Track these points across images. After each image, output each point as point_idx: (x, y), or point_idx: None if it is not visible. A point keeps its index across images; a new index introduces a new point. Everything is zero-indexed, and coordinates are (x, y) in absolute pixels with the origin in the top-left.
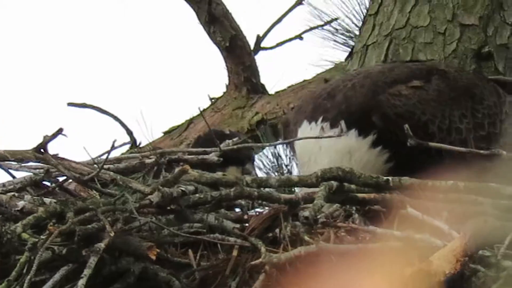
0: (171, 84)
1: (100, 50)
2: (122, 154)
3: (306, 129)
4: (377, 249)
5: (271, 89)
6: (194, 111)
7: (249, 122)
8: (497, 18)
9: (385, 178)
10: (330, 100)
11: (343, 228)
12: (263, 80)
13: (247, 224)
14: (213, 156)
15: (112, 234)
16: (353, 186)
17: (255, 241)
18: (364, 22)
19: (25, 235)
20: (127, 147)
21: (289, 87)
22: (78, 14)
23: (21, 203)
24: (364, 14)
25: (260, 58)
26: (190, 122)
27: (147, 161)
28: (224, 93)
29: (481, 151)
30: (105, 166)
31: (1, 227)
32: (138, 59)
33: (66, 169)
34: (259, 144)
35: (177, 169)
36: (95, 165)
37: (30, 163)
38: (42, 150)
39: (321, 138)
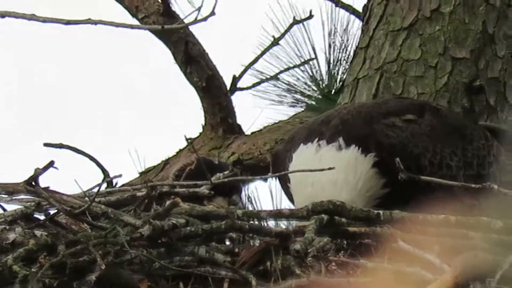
0: (147, 124)
1: (79, 89)
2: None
3: (302, 150)
4: (368, 283)
5: (248, 129)
6: (170, 152)
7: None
8: (488, 52)
9: (376, 211)
10: (325, 125)
11: (334, 262)
12: (239, 120)
13: (238, 257)
14: (204, 189)
15: (103, 266)
16: (343, 220)
17: (245, 274)
18: (354, 55)
19: (16, 268)
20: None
21: (265, 127)
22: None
23: (12, 236)
24: (332, 57)
25: (236, 99)
26: (166, 162)
27: (138, 194)
28: (201, 133)
29: (473, 185)
30: (96, 199)
31: None
32: (114, 99)
33: (57, 202)
34: (250, 178)
35: (168, 202)
36: (86, 198)
37: (21, 196)
38: (33, 183)
39: (315, 171)
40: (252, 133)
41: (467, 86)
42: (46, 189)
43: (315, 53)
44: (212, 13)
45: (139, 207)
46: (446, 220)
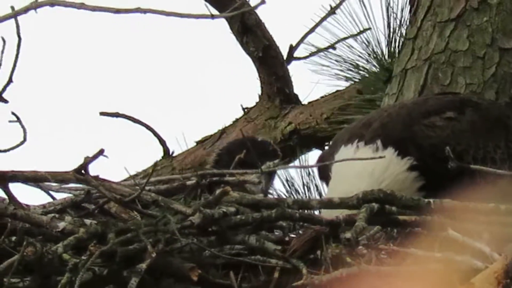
0: (204, 94)
1: (131, 60)
2: (156, 163)
3: (342, 151)
4: (419, 271)
5: (304, 99)
6: (227, 121)
7: (282, 132)
8: None
9: (426, 200)
10: (366, 128)
11: (384, 250)
12: (296, 90)
13: (288, 246)
14: (254, 178)
15: (153, 255)
16: (394, 208)
17: (296, 263)
18: (403, 46)
19: (66, 256)
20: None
21: (322, 97)
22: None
23: (61, 224)
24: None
25: (293, 68)
26: (222, 132)
27: (188, 182)
28: (257, 103)
29: None
30: (146, 188)
31: (42, 248)
32: (171, 70)
33: (107, 190)
34: (298, 166)
35: (218, 191)
36: (136, 187)
37: (71, 185)
38: (83, 171)
39: (357, 159)
40: (309, 103)
41: None
42: (96, 177)
43: (373, 25)
44: (263, 2)
45: (189, 195)
46: (496, 209)
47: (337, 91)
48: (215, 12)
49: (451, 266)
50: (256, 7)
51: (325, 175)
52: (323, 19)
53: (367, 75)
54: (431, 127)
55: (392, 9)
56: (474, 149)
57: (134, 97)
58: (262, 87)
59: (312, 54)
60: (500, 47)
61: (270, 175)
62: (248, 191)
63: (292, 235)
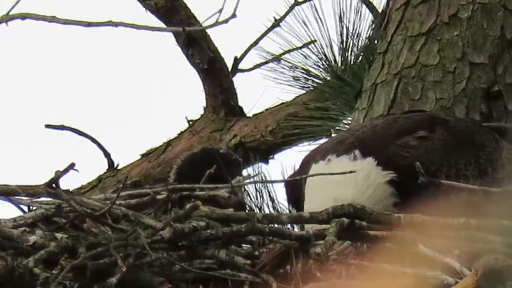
0: (149, 106)
1: (75, 72)
2: (100, 176)
3: (315, 168)
4: (389, 287)
5: (249, 111)
6: (172, 134)
7: (227, 145)
8: (506, 57)
9: (397, 215)
10: (340, 144)
11: (354, 265)
12: (240, 102)
13: (258, 260)
14: (224, 192)
15: (124, 269)
16: (364, 223)
17: (266, 277)
18: (372, 61)
19: (37, 270)
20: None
21: (266, 109)
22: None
23: (32, 238)
24: (341, 39)
25: (238, 80)
26: (167, 144)
27: (159, 197)
28: (202, 115)
29: (493, 189)
30: (116, 202)
31: (12, 261)
32: (116, 81)
33: (78, 204)
34: (269, 180)
35: (188, 205)
36: (107, 201)
37: (42, 198)
38: (53, 185)
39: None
40: (254, 115)
41: (485, 91)
42: (67, 191)
43: (326, 33)
44: (233, 15)
45: (159, 209)
46: (467, 224)
47: (282, 103)
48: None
49: (422, 281)
50: (227, 20)
51: (295, 196)
52: (267, 31)
53: (319, 83)
54: (405, 147)
55: (344, 18)
56: (447, 167)
57: (81, 109)
58: (207, 99)
59: (256, 66)
60: (471, 61)
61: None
62: (221, 204)
63: (262, 250)
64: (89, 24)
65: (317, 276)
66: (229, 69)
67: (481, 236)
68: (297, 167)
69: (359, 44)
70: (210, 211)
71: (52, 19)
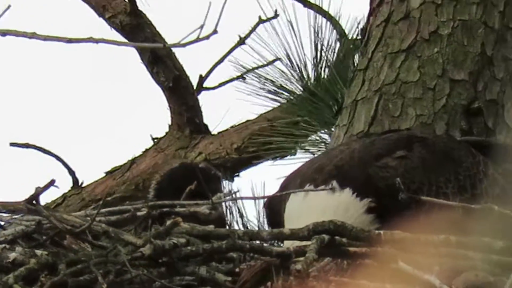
0: (113, 124)
1: (40, 90)
2: (65, 194)
3: (294, 197)
4: None
5: (214, 129)
6: (136, 151)
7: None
8: (486, 74)
9: (377, 232)
10: (319, 173)
11: (334, 282)
12: (206, 120)
13: (238, 277)
14: (204, 209)
15: (104, 286)
16: (344, 240)
17: None
18: (353, 77)
19: (16, 287)
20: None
21: (232, 127)
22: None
23: (12, 255)
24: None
25: (203, 98)
26: (132, 162)
27: (139, 213)
28: (167, 133)
29: (473, 206)
30: (97, 218)
31: None
32: (80, 99)
33: (58, 221)
34: (250, 197)
35: (168, 222)
36: (87, 217)
37: (21, 215)
38: (34, 201)
39: (314, 190)
40: (219, 132)
41: (466, 108)
42: (47, 208)
43: (300, 48)
44: (215, 32)
45: (140, 226)
46: (447, 241)
47: (247, 120)
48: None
49: None
50: (208, 36)
51: (275, 220)
52: (232, 49)
53: (291, 98)
54: (385, 167)
55: (319, 33)
56: (427, 186)
57: (46, 126)
58: (172, 117)
59: (221, 84)
60: (451, 78)
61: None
62: (201, 220)
63: (243, 266)
64: (69, 41)
65: None
66: (194, 87)
67: (462, 253)
68: (267, 184)
69: (332, 59)
70: (191, 227)
71: (33, 36)
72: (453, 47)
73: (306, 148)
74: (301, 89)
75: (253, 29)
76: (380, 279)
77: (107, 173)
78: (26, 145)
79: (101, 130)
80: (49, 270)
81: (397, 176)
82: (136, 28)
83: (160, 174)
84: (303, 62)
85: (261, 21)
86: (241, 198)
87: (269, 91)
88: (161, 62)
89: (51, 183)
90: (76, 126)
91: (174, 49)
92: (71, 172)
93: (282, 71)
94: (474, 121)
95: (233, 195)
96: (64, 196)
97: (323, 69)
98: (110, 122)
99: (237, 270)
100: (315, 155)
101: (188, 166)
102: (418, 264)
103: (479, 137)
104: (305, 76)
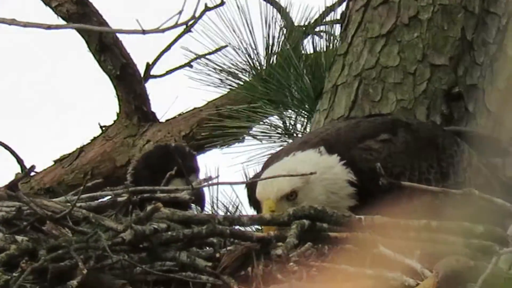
0: (61, 112)
1: None
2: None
3: (278, 162)
4: None
5: (162, 117)
6: (85, 140)
7: (140, 150)
8: (467, 59)
9: (357, 217)
10: (305, 144)
11: (315, 267)
12: (153, 108)
13: (219, 262)
14: (185, 194)
15: (84, 271)
16: (325, 225)
17: (227, 279)
18: (333, 62)
19: None
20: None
21: (179, 114)
22: None
23: None
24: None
25: (150, 86)
26: (81, 150)
27: (120, 199)
28: (115, 121)
29: (454, 191)
30: (77, 204)
31: None
32: (28, 87)
33: (38, 207)
34: (234, 182)
35: (149, 207)
36: (67, 203)
37: (2, 201)
38: (13, 188)
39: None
40: (167, 120)
41: (446, 93)
42: (27, 194)
43: (253, 35)
44: (193, 17)
45: (120, 211)
46: (427, 225)
47: (195, 108)
48: None
49: (382, 283)
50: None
51: (256, 198)
52: (179, 36)
53: (241, 84)
54: (368, 150)
55: (268, 21)
56: (410, 171)
57: None
58: (120, 105)
59: (168, 72)
60: (431, 63)
61: (197, 174)
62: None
63: (223, 252)
64: (49, 27)
65: (278, 278)
66: (142, 75)
67: (442, 237)
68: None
69: (283, 47)
70: (171, 213)
71: (12, 22)
72: (433, 32)
73: (255, 135)
74: (253, 74)
75: (199, 16)
76: (361, 264)
77: (56, 161)
78: None
79: (49, 118)
80: (30, 256)
81: (380, 159)
82: (82, 17)
83: (135, 159)
84: (253, 49)
85: (207, 8)
86: (222, 183)
87: (218, 78)
88: (108, 50)
89: (32, 168)
90: (23, 114)
91: (120, 37)
92: (20, 161)
93: (231, 58)
94: (454, 105)
95: (213, 180)
96: None
97: (272, 55)
98: (58, 110)
99: (217, 255)
100: (263, 142)
101: (163, 147)
102: (399, 249)
103: (460, 122)
104: (256, 62)
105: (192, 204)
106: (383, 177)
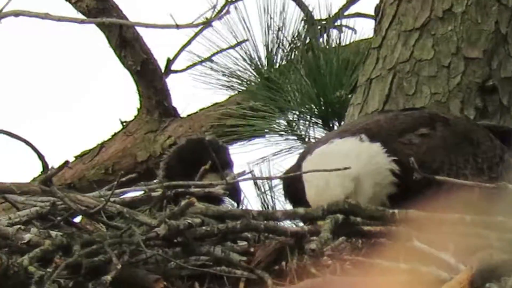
0: (82, 108)
1: (8, 73)
2: (34, 178)
3: (317, 150)
4: (384, 282)
5: (183, 112)
6: (105, 135)
7: (161, 146)
8: (501, 51)
9: (391, 210)
10: (345, 132)
11: (349, 261)
12: (174, 103)
13: (253, 257)
14: (219, 189)
15: (119, 266)
16: (359, 219)
17: (261, 274)
18: (367, 56)
19: (31, 268)
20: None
21: (200, 110)
22: None
23: (27, 236)
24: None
25: (171, 81)
26: (101, 146)
27: (154, 194)
28: (136, 116)
29: (488, 184)
30: (111, 199)
31: (7, 260)
32: (49, 83)
33: (72, 201)
34: (265, 177)
35: (183, 202)
36: (101, 198)
37: (36, 196)
38: (48, 182)
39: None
40: (188, 115)
41: (480, 86)
42: (61, 188)
43: (252, 36)
44: (228, 12)
45: (155, 207)
46: (461, 219)
47: (216, 103)
48: None
49: (417, 277)
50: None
51: (292, 190)
52: (200, 31)
53: (247, 85)
54: (408, 144)
55: (270, 21)
56: (448, 166)
57: (15, 111)
58: (140, 101)
59: (189, 66)
60: (465, 56)
61: (232, 169)
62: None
63: (257, 246)
64: (82, 21)
65: (312, 272)
66: (162, 71)
67: (476, 231)
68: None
69: (286, 45)
70: (205, 207)
71: (46, 16)
72: (467, 25)
73: (277, 129)
74: (270, 71)
75: (220, 10)
76: (395, 258)
77: (77, 157)
78: None
79: (69, 114)
80: (64, 251)
81: (420, 153)
82: (102, 13)
83: (167, 154)
84: (255, 50)
85: (228, 2)
86: (257, 178)
87: (226, 81)
88: (128, 45)
89: (65, 164)
90: (45, 111)
91: (142, 33)
92: (41, 157)
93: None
94: (488, 99)
95: (248, 175)
96: (34, 181)
97: (276, 55)
98: (78, 106)
99: (251, 249)
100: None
101: (195, 140)
102: (433, 243)
103: (494, 116)
104: (259, 64)
105: (227, 199)
106: (417, 171)
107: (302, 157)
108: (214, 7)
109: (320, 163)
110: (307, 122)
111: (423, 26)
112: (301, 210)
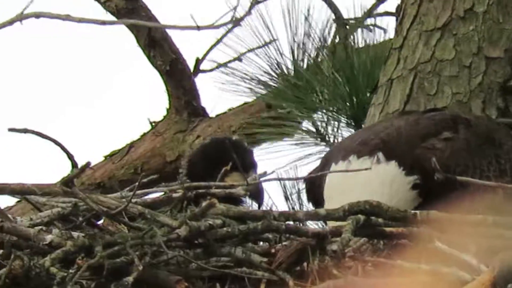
0: (111, 108)
1: (37, 73)
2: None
3: (335, 167)
4: (405, 283)
5: (212, 112)
6: (134, 135)
7: (190, 146)
8: None
9: (412, 212)
10: (364, 145)
11: (370, 262)
12: (203, 103)
13: (274, 258)
14: (240, 190)
15: (140, 267)
16: (380, 220)
17: (283, 275)
18: (388, 56)
19: (53, 269)
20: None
21: (229, 109)
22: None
23: (49, 237)
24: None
25: (200, 81)
26: (130, 146)
27: (175, 195)
28: (165, 116)
29: (510, 185)
30: (132, 200)
31: (29, 261)
32: (79, 83)
33: (94, 203)
34: (287, 178)
35: (204, 203)
36: (123, 199)
37: (58, 197)
38: (69, 184)
39: (357, 171)
40: (217, 115)
41: (502, 86)
42: (83, 190)
43: (278, 42)
44: (249, 13)
45: (176, 208)
46: (483, 220)
47: (245, 103)
48: None
49: (438, 278)
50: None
51: (315, 195)
52: (228, 31)
53: (272, 89)
54: (432, 149)
55: (297, 22)
56: (472, 169)
57: (40, 112)
58: (169, 101)
59: (218, 66)
60: (487, 56)
61: (255, 169)
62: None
63: (279, 247)
64: (103, 23)
65: (334, 273)
66: (191, 70)
67: (499, 232)
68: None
69: (312, 49)
70: (226, 209)
71: (67, 18)
72: (489, 25)
73: (304, 132)
74: (299, 70)
75: (249, 10)
76: (416, 259)
77: (106, 157)
78: (25, 130)
79: (100, 114)
80: (86, 252)
81: (444, 158)
82: (131, 12)
83: (191, 151)
84: (279, 54)
85: (256, 1)
86: (280, 179)
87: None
88: (157, 45)
89: (87, 165)
90: (74, 111)
91: (170, 34)
92: (70, 156)
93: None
94: (510, 98)
95: (271, 175)
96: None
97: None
98: (108, 106)
99: (273, 251)
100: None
101: (220, 139)
102: (455, 244)
103: None
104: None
105: (250, 200)
106: (439, 172)
107: (323, 163)
108: (235, 8)
109: (340, 193)
110: (336, 123)
111: (445, 26)
112: (322, 210)
